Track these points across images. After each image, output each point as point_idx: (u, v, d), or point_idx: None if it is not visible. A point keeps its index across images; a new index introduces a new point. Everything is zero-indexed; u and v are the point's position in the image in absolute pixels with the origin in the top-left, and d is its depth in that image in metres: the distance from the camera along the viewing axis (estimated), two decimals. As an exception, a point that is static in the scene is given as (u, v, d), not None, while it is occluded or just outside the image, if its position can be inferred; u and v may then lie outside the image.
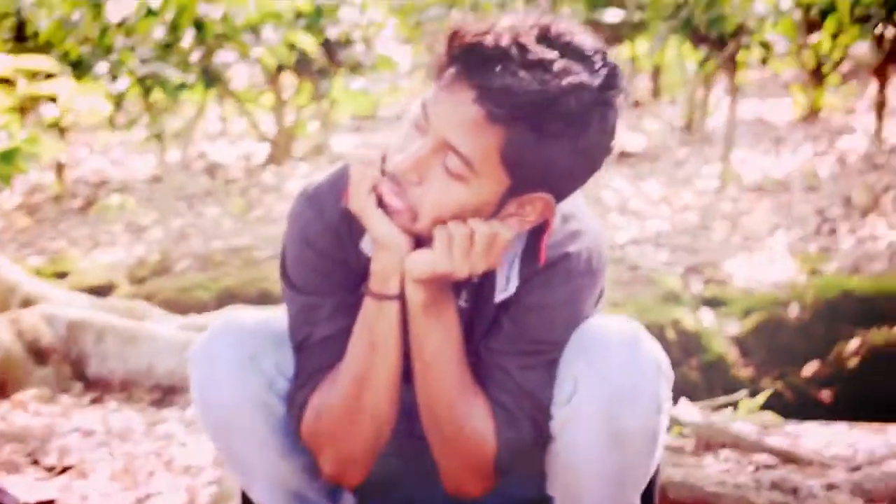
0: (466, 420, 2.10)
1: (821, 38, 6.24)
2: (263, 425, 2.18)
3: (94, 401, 3.37)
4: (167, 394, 3.38)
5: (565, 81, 1.85)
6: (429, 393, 2.12)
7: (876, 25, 5.38)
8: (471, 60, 1.89)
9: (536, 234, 2.10)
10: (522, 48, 1.86)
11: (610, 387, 2.04)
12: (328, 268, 2.15)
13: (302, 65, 5.67)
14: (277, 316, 2.24)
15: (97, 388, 3.45)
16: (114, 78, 4.85)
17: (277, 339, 2.19)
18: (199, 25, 5.02)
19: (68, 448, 3.02)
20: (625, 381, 2.04)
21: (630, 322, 2.09)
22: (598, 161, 1.97)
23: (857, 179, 5.95)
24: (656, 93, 8.99)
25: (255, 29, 5.20)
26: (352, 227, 2.14)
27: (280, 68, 6.04)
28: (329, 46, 5.69)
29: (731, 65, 6.03)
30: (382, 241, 2.02)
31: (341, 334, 2.14)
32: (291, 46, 5.47)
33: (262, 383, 2.16)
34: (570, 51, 1.90)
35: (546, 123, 1.87)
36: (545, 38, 1.89)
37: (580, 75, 1.87)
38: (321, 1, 5.65)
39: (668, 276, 4.87)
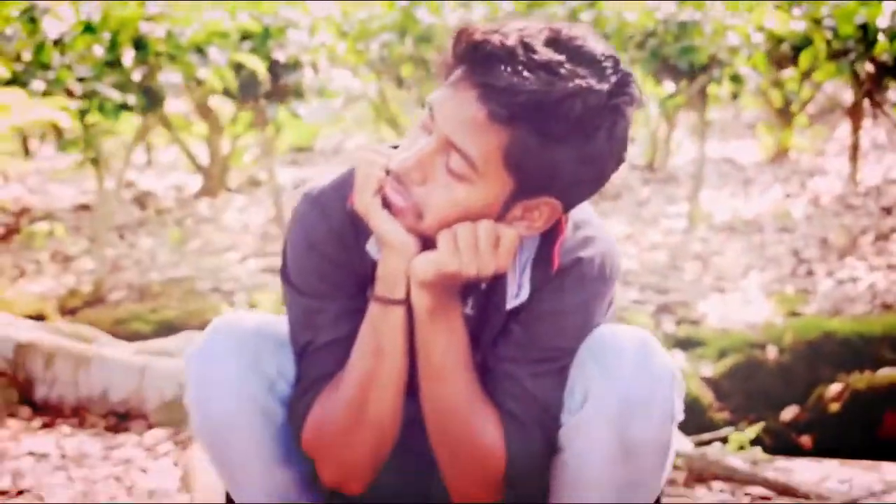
0: (475, 428, 2.19)
1: (793, 74, 6.41)
2: (262, 431, 2.26)
3: (45, 425, 3.42)
4: (122, 420, 3.44)
5: (571, 84, 1.96)
6: (437, 401, 2.21)
7: (854, 61, 5.54)
8: (476, 59, 2.00)
9: (548, 241, 2.21)
10: (529, 49, 1.97)
11: (623, 396, 2.14)
12: (332, 271, 2.24)
13: (247, 89, 5.74)
14: (278, 318, 2.33)
15: (47, 412, 3.49)
16: (48, 96, 4.89)
17: (279, 341, 2.27)
18: (141, 44, 5.07)
19: (22, 471, 3.06)
20: (638, 391, 2.14)
21: (643, 331, 2.20)
22: (606, 170, 2.08)
23: (832, 221, 6.13)
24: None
25: (200, 49, 5.27)
26: (357, 231, 2.24)
27: (210, 96, 6.11)
28: (276, 70, 5.77)
29: (702, 99, 6.19)
30: (388, 241, 2.11)
31: (345, 340, 2.23)
32: (238, 68, 5.55)
33: (264, 386, 2.23)
34: (579, 55, 2.01)
35: (550, 126, 1.98)
36: (554, 41, 2.01)
37: (587, 79, 1.98)
38: (268, 22, 5.73)
39: (638, 315, 4.98)
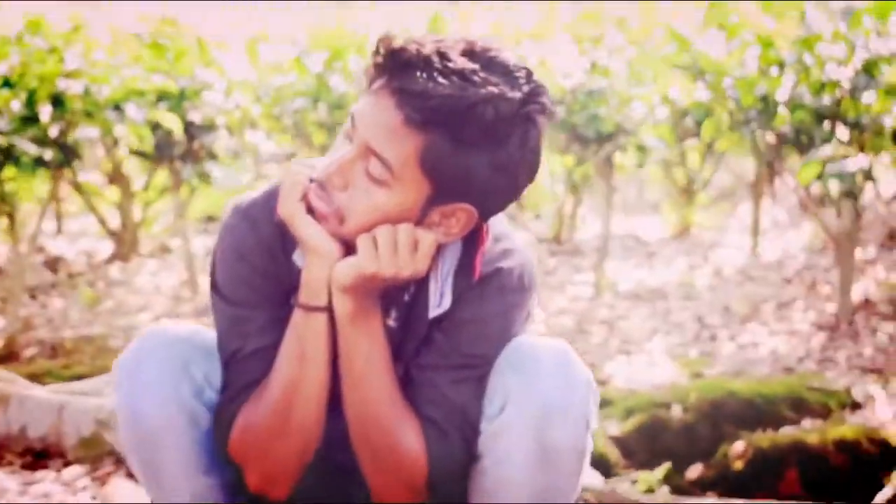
0: (397, 434, 2.27)
1: (697, 144, 6.58)
2: (188, 435, 2.32)
3: (-42, 462, 3.43)
4: (40, 457, 3.45)
5: (484, 91, 2.08)
6: (359, 407, 2.29)
7: (754, 131, 5.69)
8: (394, 66, 2.11)
9: (470, 252, 2.31)
10: (444, 57, 2.09)
11: (541, 401, 2.23)
12: (260, 281, 2.32)
13: (162, 149, 5.80)
14: (207, 329, 2.40)
15: (-40, 450, 3.50)
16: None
17: (207, 350, 2.34)
18: (59, 100, 5.12)
19: (-66, 505, 3.08)
20: (556, 396, 2.24)
21: (560, 341, 2.30)
22: (519, 178, 2.19)
23: (735, 290, 6.29)
24: (520, 207, 9.33)
25: (118, 106, 5.32)
26: (285, 242, 2.33)
27: (125, 157, 6.16)
28: (191, 131, 5.83)
29: (608, 168, 6.34)
30: (311, 246, 2.21)
31: (272, 348, 2.31)
32: (154, 128, 5.61)
33: (192, 391, 2.31)
34: (493, 65, 2.14)
35: (462, 131, 2.09)
36: (470, 52, 2.14)
37: (500, 87, 2.10)
38: (184, 83, 5.79)
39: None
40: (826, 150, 5.03)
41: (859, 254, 6.53)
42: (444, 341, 2.30)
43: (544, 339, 2.33)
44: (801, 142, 5.62)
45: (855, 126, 5.36)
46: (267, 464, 2.31)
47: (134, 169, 6.88)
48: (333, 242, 2.21)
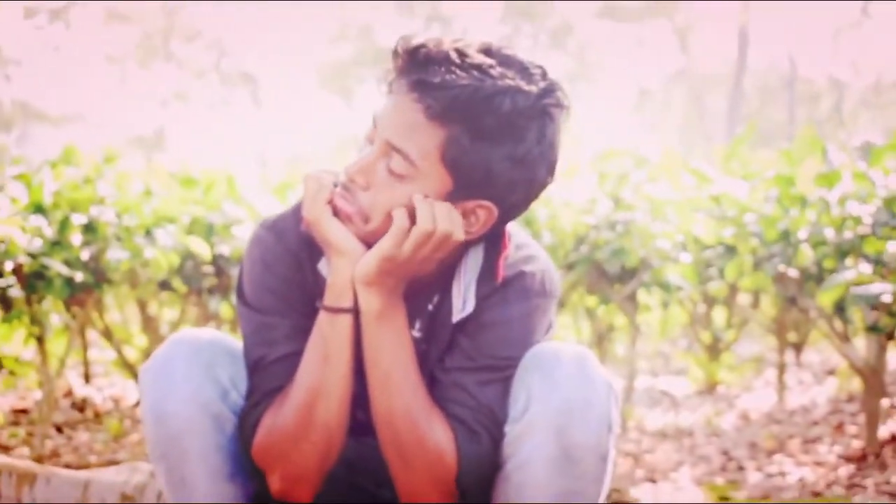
0: (426, 430, 2.30)
1: (721, 284, 6.62)
2: (214, 438, 2.35)
3: None
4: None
5: (501, 82, 2.18)
6: (387, 406, 2.32)
7: (777, 266, 5.74)
8: (413, 62, 2.23)
9: (492, 258, 2.38)
10: (462, 53, 2.21)
11: (563, 402, 2.27)
12: (286, 290, 2.40)
13: (191, 280, 5.87)
14: (231, 336, 2.45)
15: None
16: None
17: (233, 354, 2.40)
18: (91, 226, 5.22)
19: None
20: (577, 394, 2.28)
21: (581, 346, 2.35)
22: (538, 174, 2.28)
23: (761, 430, 6.27)
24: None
25: (148, 232, 5.43)
26: (311, 252, 2.40)
27: (153, 286, 6.22)
28: (219, 263, 5.92)
29: (632, 306, 6.39)
30: (337, 247, 2.28)
31: (297, 356, 2.36)
32: (183, 260, 5.71)
33: (217, 393, 2.35)
34: (509, 61, 2.25)
35: (481, 122, 2.19)
36: (486, 50, 2.25)
37: (516, 80, 2.20)
38: (213, 218, 5.90)
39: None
40: (848, 275, 5.06)
41: (885, 402, 6.50)
42: (468, 344, 2.35)
43: (565, 343, 2.37)
44: (824, 278, 5.67)
45: (877, 262, 5.40)
46: (290, 467, 2.34)
47: (163, 303, 6.94)
48: (358, 243, 2.27)
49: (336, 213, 2.28)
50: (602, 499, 2.36)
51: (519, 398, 2.33)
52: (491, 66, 2.19)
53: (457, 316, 2.37)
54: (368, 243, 2.29)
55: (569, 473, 2.29)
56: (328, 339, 2.31)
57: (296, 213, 2.44)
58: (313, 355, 2.32)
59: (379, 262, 2.25)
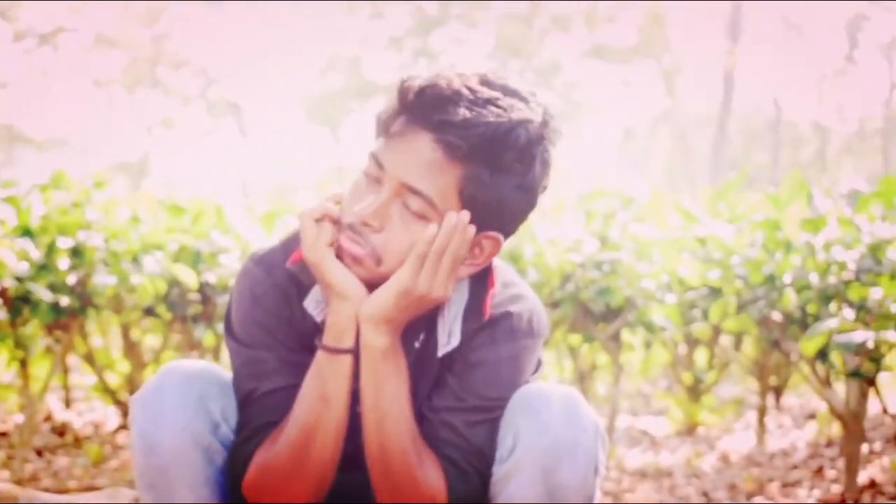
0: (420, 470, 2.31)
1: (703, 326, 6.63)
2: (203, 471, 2.35)
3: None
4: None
5: (514, 115, 2.21)
6: (382, 442, 2.33)
7: (761, 309, 5.75)
8: (425, 103, 2.22)
9: (477, 295, 2.38)
10: (471, 89, 2.21)
11: (550, 442, 2.28)
12: (274, 324, 2.40)
13: (177, 307, 5.87)
14: (221, 367, 2.45)
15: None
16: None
17: (224, 387, 2.39)
18: (78, 251, 5.22)
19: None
20: (564, 434, 2.29)
21: (568, 387, 2.36)
22: (536, 197, 2.31)
23: (740, 472, 6.28)
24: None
25: (135, 258, 5.43)
26: (298, 288, 2.41)
27: (139, 311, 6.20)
28: (206, 291, 5.91)
29: (616, 346, 6.40)
30: (341, 290, 2.28)
31: (286, 389, 2.36)
32: (169, 287, 5.71)
33: (208, 425, 2.34)
34: (510, 92, 2.27)
35: (500, 156, 2.21)
36: (486, 82, 2.26)
37: (524, 111, 2.22)
38: (200, 246, 5.90)
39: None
40: (831, 323, 5.07)
41: (865, 448, 6.52)
42: (456, 384, 2.36)
43: (553, 384, 2.38)
44: (808, 322, 5.69)
45: (860, 308, 5.42)
46: (282, 502, 2.33)
47: (147, 330, 6.92)
48: (361, 285, 2.28)
49: (339, 254, 2.28)
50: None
51: (506, 439, 2.33)
52: (499, 99, 2.21)
53: (442, 350, 2.38)
54: (373, 286, 2.29)
55: (553, 515, 2.29)
56: (327, 380, 2.31)
57: (285, 247, 2.45)
58: (311, 394, 2.32)
59: (396, 297, 2.26)
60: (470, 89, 2.21)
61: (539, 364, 2.49)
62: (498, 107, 2.20)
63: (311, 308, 2.39)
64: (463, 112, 2.18)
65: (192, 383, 2.35)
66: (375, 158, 2.28)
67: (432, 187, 2.22)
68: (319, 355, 2.34)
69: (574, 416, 2.31)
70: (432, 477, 2.31)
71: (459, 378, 2.37)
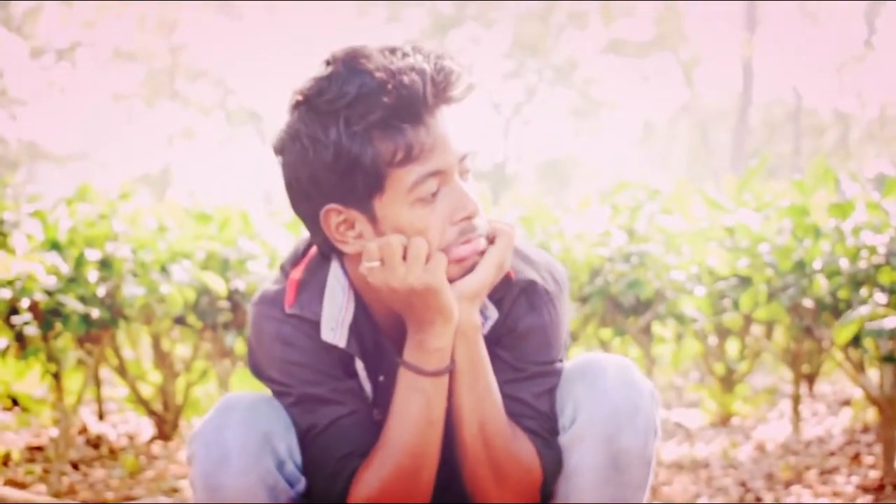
0: (517, 444, 2.36)
1: (735, 316, 6.61)
2: (267, 510, 2.30)
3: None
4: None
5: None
6: (483, 421, 2.35)
7: (792, 296, 5.73)
8: (436, 89, 2.29)
9: None
10: (425, 56, 2.29)
11: (610, 408, 2.33)
12: (312, 360, 2.39)
13: (207, 316, 5.88)
14: (281, 402, 2.43)
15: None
16: (13, 311, 5.01)
17: (288, 422, 2.36)
18: (106, 262, 5.24)
19: None
20: (624, 400, 2.33)
21: (622, 356, 2.40)
22: None
23: (777, 461, 6.26)
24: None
25: (164, 268, 5.44)
26: (311, 323, 2.40)
27: (169, 321, 6.20)
28: (235, 298, 5.92)
29: (647, 339, 6.39)
30: (451, 314, 2.30)
31: (346, 418, 2.36)
32: (199, 295, 5.72)
33: (274, 464, 2.31)
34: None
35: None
36: (404, 49, 2.33)
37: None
38: (228, 254, 5.90)
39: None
40: (863, 311, 5.05)
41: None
42: (511, 356, 2.40)
43: (605, 354, 2.42)
44: (839, 308, 5.67)
45: (892, 292, 5.39)
46: None
47: (177, 339, 6.94)
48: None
49: (450, 276, 2.31)
50: (643, 504, 2.39)
51: (566, 408, 2.38)
52: (431, 51, 2.35)
53: (487, 325, 2.42)
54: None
55: (615, 481, 2.34)
56: (433, 403, 2.32)
57: (279, 286, 2.45)
58: (417, 419, 2.31)
59: (496, 271, 2.32)
60: (424, 56, 2.29)
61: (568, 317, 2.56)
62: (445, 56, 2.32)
63: (329, 338, 2.38)
64: (456, 71, 2.27)
65: (257, 420, 2.31)
66: (429, 174, 2.27)
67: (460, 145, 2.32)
68: (423, 382, 2.33)
69: (630, 381, 2.36)
70: (526, 449, 2.36)
71: (512, 351, 2.42)
